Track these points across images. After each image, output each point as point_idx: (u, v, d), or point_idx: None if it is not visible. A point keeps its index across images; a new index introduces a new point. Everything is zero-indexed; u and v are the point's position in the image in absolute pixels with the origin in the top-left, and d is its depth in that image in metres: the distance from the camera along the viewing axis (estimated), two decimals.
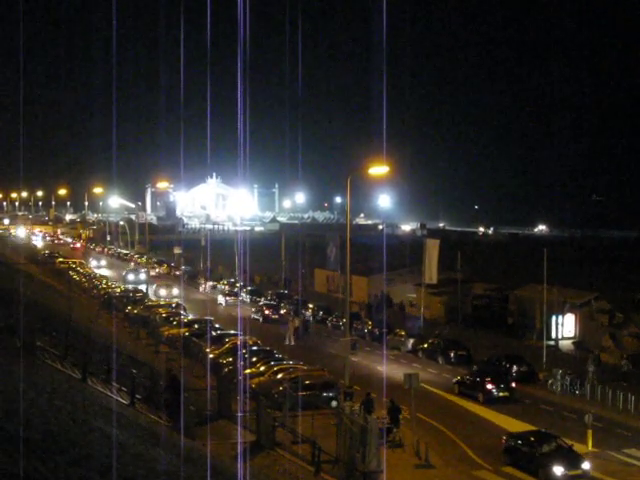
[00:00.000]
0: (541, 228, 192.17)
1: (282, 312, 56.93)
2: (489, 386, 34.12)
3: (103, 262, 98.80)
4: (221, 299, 66.10)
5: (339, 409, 27.74)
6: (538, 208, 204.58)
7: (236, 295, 66.16)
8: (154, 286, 70.17)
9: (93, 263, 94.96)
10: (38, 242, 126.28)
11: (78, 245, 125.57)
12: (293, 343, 46.76)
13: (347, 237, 33.25)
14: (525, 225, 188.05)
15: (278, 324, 52.86)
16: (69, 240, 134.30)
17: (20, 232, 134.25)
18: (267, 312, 57.00)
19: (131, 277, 78.27)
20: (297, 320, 50.38)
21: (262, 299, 64.69)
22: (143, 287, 68.25)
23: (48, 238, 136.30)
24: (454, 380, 36.34)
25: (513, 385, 34.91)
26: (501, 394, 34.07)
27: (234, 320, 54.44)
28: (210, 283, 75.71)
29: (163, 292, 68.17)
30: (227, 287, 70.16)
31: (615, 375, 37.87)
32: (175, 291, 68.74)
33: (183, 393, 23.93)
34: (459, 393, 35.00)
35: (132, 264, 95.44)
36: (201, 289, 76.26)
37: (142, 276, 78.27)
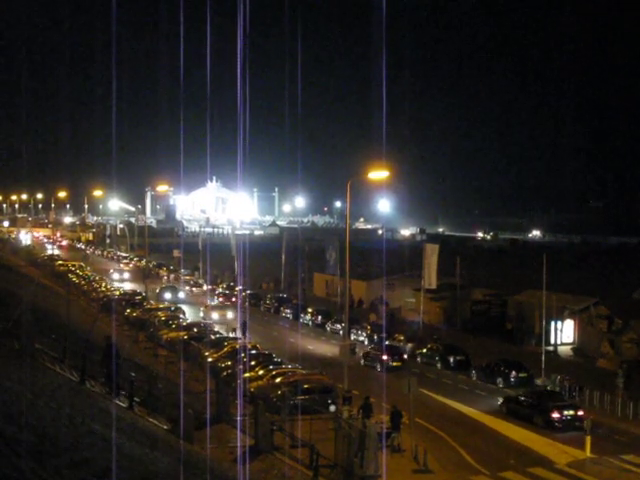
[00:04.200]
0: (535, 233, 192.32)
1: (233, 299, 64.54)
2: (385, 357, 41.40)
3: (126, 275, 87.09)
4: (187, 289, 73.36)
5: (337, 413, 27.75)
6: (533, 214, 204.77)
7: (200, 286, 75.20)
8: (202, 308, 59.91)
9: (114, 276, 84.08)
10: (53, 249, 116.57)
11: (64, 243, 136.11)
12: None
13: (347, 241, 33.23)
14: (520, 231, 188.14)
15: (231, 309, 59.48)
16: (63, 242, 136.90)
17: (23, 236, 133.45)
18: (221, 299, 65.45)
19: (168, 296, 67.41)
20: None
21: (261, 302, 67.03)
22: (183, 307, 60.05)
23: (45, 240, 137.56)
24: (361, 354, 43.64)
25: (405, 357, 43.03)
26: (394, 364, 41.33)
27: (192, 305, 63.02)
28: (172, 275, 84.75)
29: (215, 316, 57.14)
30: (223, 287, 73.34)
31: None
32: (230, 315, 57.82)
33: (182, 395, 23.90)
34: (364, 365, 42.16)
35: (165, 279, 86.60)
36: (164, 280, 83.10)
37: (181, 294, 69.48)
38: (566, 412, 30.97)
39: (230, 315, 57.92)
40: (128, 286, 76.46)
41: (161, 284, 75.59)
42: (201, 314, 57.29)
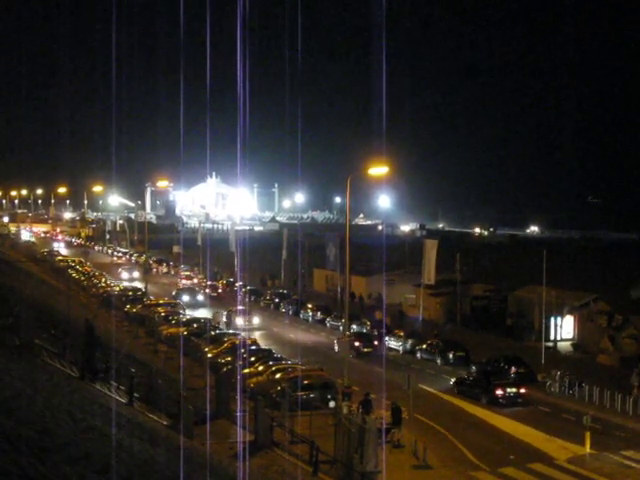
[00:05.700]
0: (533, 229, 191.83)
1: (219, 291, 70.31)
2: (356, 344, 43.19)
3: (136, 274, 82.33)
4: (181, 282, 77.03)
5: (337, 409, 27.75)
6: (532, 209, 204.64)
7: (191, 279, 78.73)
8: (225, 312, 54.44)
9: (124, 275, 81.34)
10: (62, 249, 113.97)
11: (60, 237, 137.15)
12: None
13: (346, 237, 33.20)
14: (518, 226, 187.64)
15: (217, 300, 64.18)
16: (61, 237, 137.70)
17: (25, 232, 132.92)
18: (207, 290, 69.98)
19: (185, 298, 63.65)
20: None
21: (261, 298, 67.08)
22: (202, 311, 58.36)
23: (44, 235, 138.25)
24: (335, 340, 45.09)
25: (376, 343, 44.62)
26: (366, 350, 43.56)
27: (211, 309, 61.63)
28: (165, 269, 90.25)
29: (240, 321, 51.84)
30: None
31: None
32: (256, 320, 54.08)
33: (182, 390, 23.88)
34: (337, 352, 42.56)
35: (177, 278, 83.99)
36: (154, 272, 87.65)
37: (200, 297, 65.93)
38: (509, 389, 33.82)
39: (256, 320, 54.22)
40: (134, 284, 75.52)
41: (177, 286, 73.48)
42: (224, 319, 53.10)
